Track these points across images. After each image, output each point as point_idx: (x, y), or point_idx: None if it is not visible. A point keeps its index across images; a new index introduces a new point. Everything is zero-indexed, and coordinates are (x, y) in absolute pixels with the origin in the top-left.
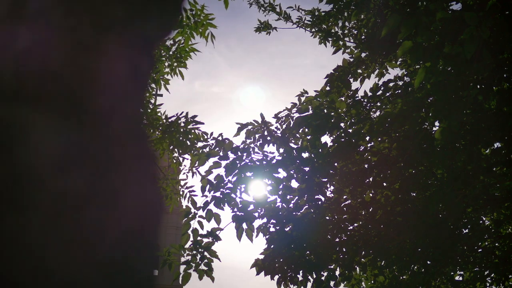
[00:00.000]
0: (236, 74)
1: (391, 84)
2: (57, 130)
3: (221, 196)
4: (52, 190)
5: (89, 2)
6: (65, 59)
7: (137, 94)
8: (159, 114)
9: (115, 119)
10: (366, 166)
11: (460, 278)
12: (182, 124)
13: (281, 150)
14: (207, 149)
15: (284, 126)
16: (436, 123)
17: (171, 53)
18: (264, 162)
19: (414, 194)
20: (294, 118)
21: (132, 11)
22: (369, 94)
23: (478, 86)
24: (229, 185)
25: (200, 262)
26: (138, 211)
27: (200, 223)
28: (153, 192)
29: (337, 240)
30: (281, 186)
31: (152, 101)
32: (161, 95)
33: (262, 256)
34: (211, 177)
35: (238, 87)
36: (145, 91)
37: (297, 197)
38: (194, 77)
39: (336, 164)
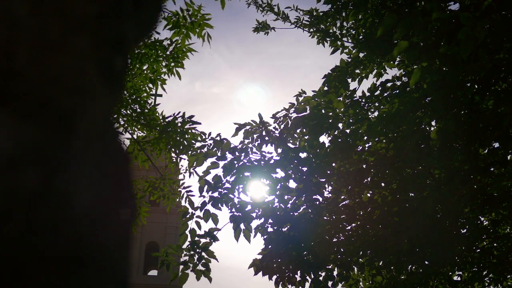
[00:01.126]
0: (236, 75)
1: (389, 84)
2: (11, 128)
3: (218, 196)
4: (1, 188)
5: (59, 0)
6: (29, 59)
7: (108, 94)
8: (157, 114)
9: (80, 119)
10: (364, 166)
11: (459, 278)
12: (179, 124)
13: (279, 150)
14: (205, 149)
15: (282, 126)
16: (433, 123)
17: (168, 53)
18: (262, 162)
19: (412, 195)
20: (292, 118)
21: (106, 10)
22: (367, 94)
23: (476, 86)
24: (227, 185)
25: (197, 262)
26: (96, 211)
27: (197, 223)
28: (117, 192)
29: (335, 240)
30: (278, 186)
31: (149, 101)
32: (160, 95)
33: (260, 256)
34: (209, 178)
35: (239, 88)
36: (119, 91)
37: (295, 197)
38: (195, 78)
39: (334, 164)
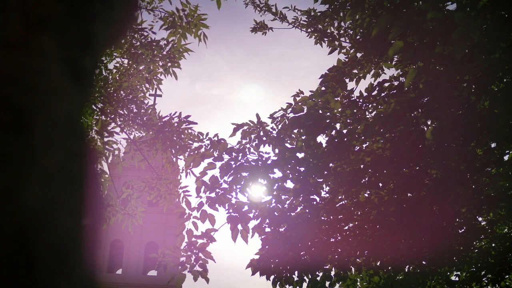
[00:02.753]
0: (237, 76)
1: (386, 84)
2: None
3: (215, 197)
4: None
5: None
6: None
7: (75, 94)
8: (154, 114)
9: (40, 118)
10: (361, 166)
11: (456, 278)
12: (176, 125)
13: (277, 151)
14: (202, 149)
15: (279, 127)
16: (429, 123)
17: (164, 53)
18: (260, 163)
19: (410, 195)
20: (289, 118)
21: (73, 10)
22: (365, 94)
23: (474, 86)
24: (224, 185)
25: (194, 263)
26: (46, 210)
27: (194, 224)
28: (78, 192)
29: (332, 240)
30: (275, 187)
31: (146, 101)
32: (160, 96)
33: (257, 257)
34: (206, 178)
35: (239, 89)
36: (87, 90)
37: (292, 198)
38: (195, 79)
39: (331, 164)
